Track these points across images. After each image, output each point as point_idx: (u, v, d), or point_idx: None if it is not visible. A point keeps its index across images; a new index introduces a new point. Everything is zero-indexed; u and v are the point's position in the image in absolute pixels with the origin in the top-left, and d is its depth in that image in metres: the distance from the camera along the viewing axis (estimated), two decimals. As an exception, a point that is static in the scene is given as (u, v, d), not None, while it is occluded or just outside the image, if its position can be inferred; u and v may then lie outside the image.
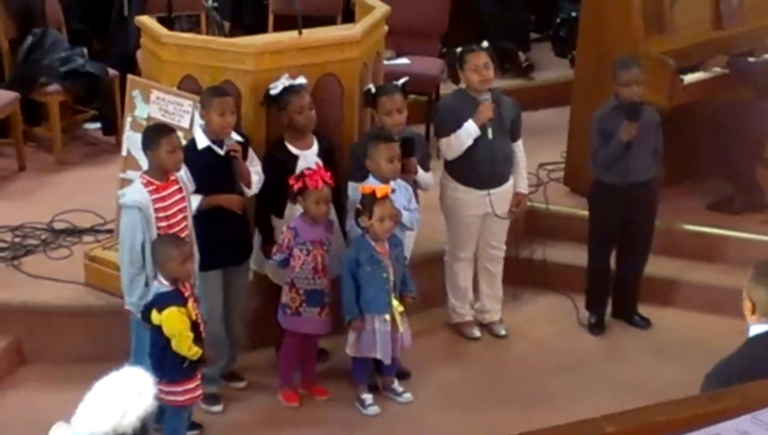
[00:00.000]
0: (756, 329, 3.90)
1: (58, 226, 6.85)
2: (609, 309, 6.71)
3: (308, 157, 5.86)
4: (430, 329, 6.58)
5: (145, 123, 5.97)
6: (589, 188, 6.57)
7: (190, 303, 5.19)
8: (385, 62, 6.99)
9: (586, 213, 6.65)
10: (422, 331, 6.39)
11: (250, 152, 5.77)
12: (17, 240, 6.72)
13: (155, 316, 5.11)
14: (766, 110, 6.97)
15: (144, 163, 5.56)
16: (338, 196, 5.93)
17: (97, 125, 8.06)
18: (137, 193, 5.31)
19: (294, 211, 5.83)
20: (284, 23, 7.46)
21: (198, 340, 5.19)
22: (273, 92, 5.85)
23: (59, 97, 7.74)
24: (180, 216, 5.38)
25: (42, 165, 7.71)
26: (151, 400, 3.24)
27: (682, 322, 6.74)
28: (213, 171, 5.60)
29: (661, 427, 2.70)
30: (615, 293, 6.70)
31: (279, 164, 5.83)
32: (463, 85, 6.28)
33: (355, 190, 5.86)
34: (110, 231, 6.58)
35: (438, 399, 6.06)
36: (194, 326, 5.17)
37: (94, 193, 7.04)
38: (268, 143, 5.97)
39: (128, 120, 6.18)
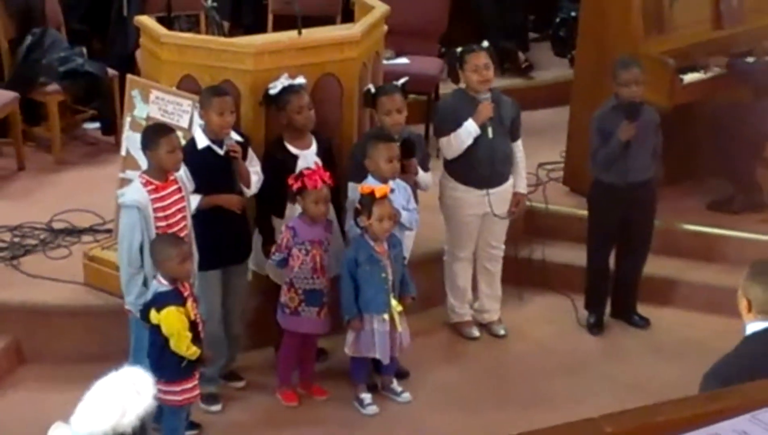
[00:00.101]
0: (753, 327, 3.91)
1: (57, 225, 6.85)
2: (608, 309, 6.71)
3: (307, 157, 5.86)
4: (429, 329, 6.57)
5: (144, 123, 5.96)
6: (588, 188, 6.57)
7: (189, 303, 5.19)
8: (385, 62, 6.99)
9: (585, 213, 6.64)
10: (421, 330, 6.38)
11: (250, 152, 5.76)
12: (16, 240, 6.71)
13: (154, 315, 5.11)
14: (766, 110, 6.97)
15: (143, 162, 5.55)
16: (337, 196, 5.93)
17: (97, 125, 8.06)
18: (136, 192, 5.30)
19: (294, 211, 5.83)
20: (283, 23, 7.45)
21: (196, 339, 5.18)
22: (272, 92, 5.84)
23: (58, 96, 7.74)
24: (179, 216, 5.38)
25: (41, 165, 7.71)
26: (150, 399, 3.25)
27: (681, 322, 6.74)
28: (212, 171, 5.60)
29: (660, 427, 2.69)
30: (614, 293, 6.70)
31: (278, 164, 5.82)
32: (462, 85, 6.28)
33: (354, 190, 5.86)
34: (109, 231, 6.58)
35: (437, 399, 6.05)
36: (193, 326, 5.17)
37: (93, 193, 7.04)
38: (267, 143, 5.97)
39: (127, 120, 6.17)
